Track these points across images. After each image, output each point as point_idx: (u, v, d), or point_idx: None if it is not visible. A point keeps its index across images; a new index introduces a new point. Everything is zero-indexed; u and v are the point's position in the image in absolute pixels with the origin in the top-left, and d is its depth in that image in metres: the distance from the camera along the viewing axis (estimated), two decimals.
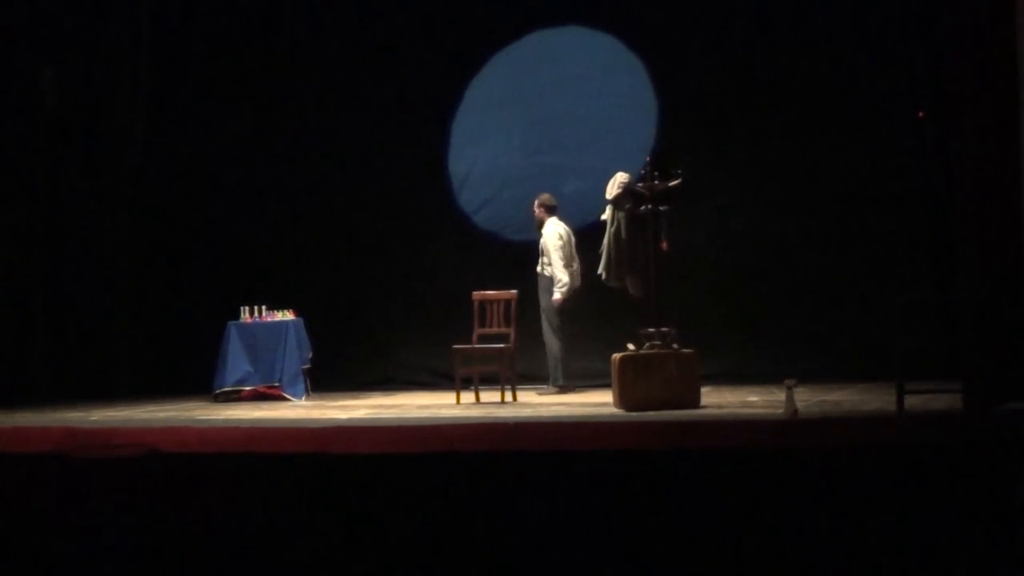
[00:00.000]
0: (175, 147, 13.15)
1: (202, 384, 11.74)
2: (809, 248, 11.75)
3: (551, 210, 11.57)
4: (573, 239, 11.50)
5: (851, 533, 5.04)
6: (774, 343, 11.58)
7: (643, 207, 9.85)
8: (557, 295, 11.27)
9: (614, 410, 9.56)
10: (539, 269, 11.49)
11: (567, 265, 11.36)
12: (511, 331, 11.14)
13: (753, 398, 10.22)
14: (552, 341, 11.46)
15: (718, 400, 10.00)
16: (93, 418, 10.12)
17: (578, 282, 11.39)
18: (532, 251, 11.65)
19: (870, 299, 11.16)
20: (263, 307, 11.74)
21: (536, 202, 11.60)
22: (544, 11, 12.60)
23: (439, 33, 12.79)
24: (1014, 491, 5.04)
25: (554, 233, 11.42)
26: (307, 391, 11.65)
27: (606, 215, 10.16)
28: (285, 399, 11.40)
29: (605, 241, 10.16)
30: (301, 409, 10.70)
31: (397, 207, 12.72)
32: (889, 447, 6.63)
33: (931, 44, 11.09)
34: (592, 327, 11.71)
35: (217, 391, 11.53)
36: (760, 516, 5.25)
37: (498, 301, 11.26)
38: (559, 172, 12.45)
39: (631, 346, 9.67)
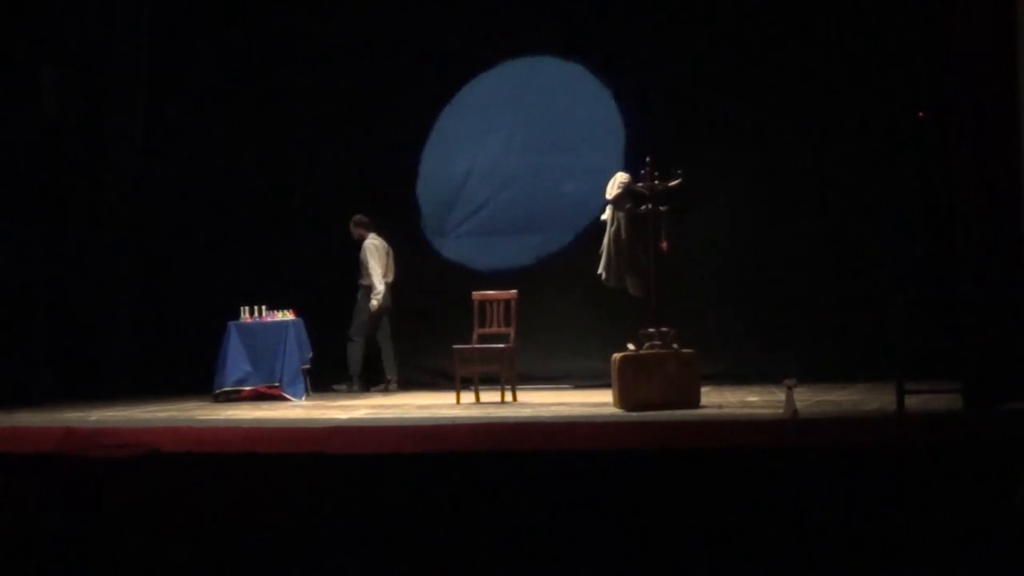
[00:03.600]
0: (175, 148, 13.14)
1: (202, 384, 11.72)
2: (809, 248, 11.73)
3: (367, 227, 12.19)
4: (392, 254, 12.18)
5: (851, 533, 5.04)
6: (774, 343, 11.57)
7: (643, 207, 9.86)
8: (374, 303, 11.96)
9: (614, 410, 9.55)
10: (360, 280, 12.06)
11: (384, 276, 12.07)
12: (511, 331, 11.14)
13: (753, 398, 10.21)
14: (360, 343, 12.10)
15: (718, 400, 9.99)
16: (93, 418, 10.10)
17: (388, 300, 12.01)
18: (533, 251, 11.68)
19: (870, 299, 11.15)
20: (263, 307, 11.73)
21: (352, 223, 12.23)
22: (543, 40, 12.65)
23: (441, 31, 12.77)
24: (1014, 491, 5.04)
25: (372, 247, 12.06)
26: (307, 391, 11.64)
27: (606, 215, 10.15)
28: (285, 399, 11.39)
29: (605, 241, 10.15)
30: (301, 409, 10.69)
31: (396, 207, 12.71)
32: (889, 447, 6.63)
33: (931, 44, 11.08)
34: (592, 327, 11.70)
35: (217, 391, 11.52)
36: (760, 516, 5.25)
37: (498, 301, 11.27)
38: (559, 172, 12.46)
39: (631, 346, 9.66)
